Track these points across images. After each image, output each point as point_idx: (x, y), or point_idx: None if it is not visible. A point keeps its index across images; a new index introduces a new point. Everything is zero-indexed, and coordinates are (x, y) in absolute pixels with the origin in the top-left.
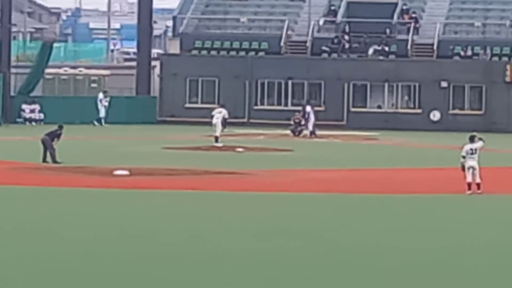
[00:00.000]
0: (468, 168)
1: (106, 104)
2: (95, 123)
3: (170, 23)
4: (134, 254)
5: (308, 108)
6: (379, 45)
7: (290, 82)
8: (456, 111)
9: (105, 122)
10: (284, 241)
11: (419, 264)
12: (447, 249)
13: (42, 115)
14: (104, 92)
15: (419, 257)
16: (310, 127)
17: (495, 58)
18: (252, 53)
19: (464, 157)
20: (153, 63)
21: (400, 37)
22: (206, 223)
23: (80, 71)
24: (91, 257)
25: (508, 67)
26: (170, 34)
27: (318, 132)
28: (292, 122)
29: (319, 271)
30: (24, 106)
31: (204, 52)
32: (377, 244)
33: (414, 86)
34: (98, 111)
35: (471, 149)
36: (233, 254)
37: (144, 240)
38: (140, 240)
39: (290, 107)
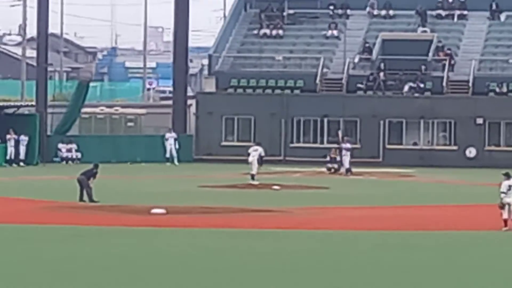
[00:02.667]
0: (505, 205)
1: (172, 142)
2: (167, 163)
3: (205, 61)
4: None
5: (348, 145)
6: (414, 82)
7: (325, 120)
8: (492, 148)
9: (178, 160)
10: (313, 278)
11: None
12: (481, 286)
13: (79, 154)
14: (170, 130)
15: None
16: (347, 164)
17: None
18: (288, 91)
19: (504, 193)
20: (189, 101)
21: (435, 74)
22: (239, 260)
23: (116, 110)
24: None
25: None
26: (206, 72)
27: (353, 170)
28: (328, 158)
29: None
30: (60, 146)
31: (239, 90)
32: (407, 282)
33: (450, 123)
34: (165, 150)
35: (509, 186)
36: None
37: (178, 277)
38: (173, 278)
39: (325, 145)
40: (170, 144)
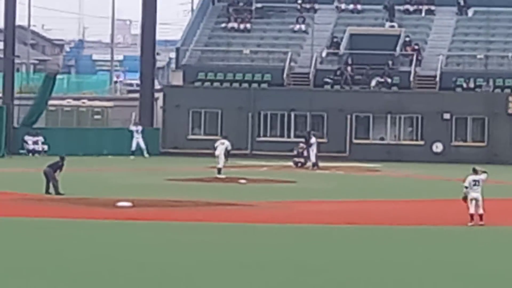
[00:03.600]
0: (471, 200)
1: (139, 135)
2: (131, 157)
3: (173, 54)
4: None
5: (313, 140)
6: (381, 77)
7: (292, 114)
8: (459, 143)
9: (147, 153)
10: (279, 273)
11: None
12: (446, 281)
13: (46, 147)
14: (136, 123)
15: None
16: (313, 158)
17: (498, 90)
18: (255, 85)
19: (466, 187)
20: (156, 94)
21: (402, 69)
22: (205, 254)
23: (84, 102)
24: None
25: (510, 98)
26: (173, 65)
27: (320, 164)
28: (295, 152)
29: None
30: (27, 138)
31: (207, 83)
32: (375, 278)
33: (417, 118)
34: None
35: (474, 181)
36: (233, 285)
37: (144, 272)
38: (139, 272)
39: (292, 139)
40: (137, 138)
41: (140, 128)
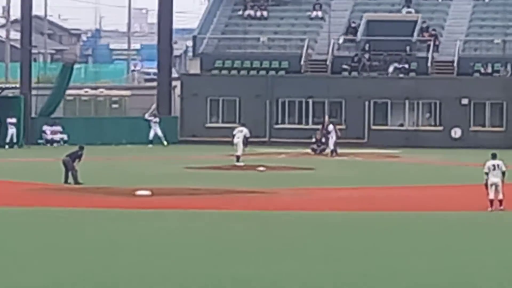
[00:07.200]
0: (491, 185)
1: (156, 125)
2: (149, 145)
3: (190, 43)
4: (151, 275)
5: (331, 127)
6: (399, 63)
7: (310, 101)
8: (477, 128)
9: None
10: (297, 261)
11: (439, 284)
12: (466, 268)
13: (64, 136)
14: (154, 115)
15: (438, 277)
16: (332, 145)
17: None
18: (273, 72)
19: (487, 173)
20: (173, 83)
21: (420, 54)
22: (224, 242)
23: (101, 92)
24: (110, 277)
25: None
26: (190, 54)
27: (339, 150)
28: (313, 140)
29: None
30: (45, 128)
31: (224, 71)
32: (395, 265)
33: (435, 104)
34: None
35: (493, 165)
36: (247, 275)
37: (163, 260)
38: (158, 260)
39: (311, 126)
40: (154, 127)
41: (158, 119)
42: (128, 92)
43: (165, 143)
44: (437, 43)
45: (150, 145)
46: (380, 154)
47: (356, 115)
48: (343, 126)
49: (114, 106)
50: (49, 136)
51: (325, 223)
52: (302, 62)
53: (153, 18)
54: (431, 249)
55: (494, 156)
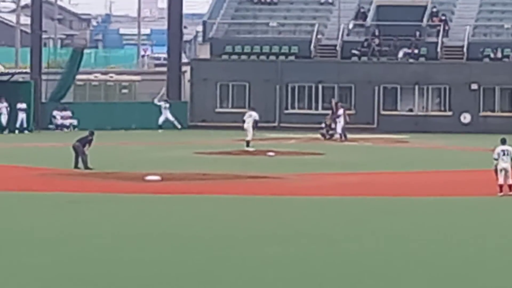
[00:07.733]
0: (501, 170)
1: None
2: (159, 130)
3: (200, 28)
4: (161, 259)
5: (341, 111)
6: (409, 48)
7: (320, 86)
8: (487, 113)
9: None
10: (307, 245)
11: (446, 267)
12: (477, 252)
13: (74, 121)
14: (165, 100)
15: (447, 260)
16: (339, 130)
17: None
18: (282, 57)
19: (496, 159)
20: (183, 68)
21: (429, 39)
22: (233, 227)
23: (111, 77)
24: (122, 262)
25: None
26: (200, 39)
27: (348, 136)
28: (323, 125)
29: (337, 276)
30: (55, 113)
31: (234, 56)
32: (404, 249)
33: (445, 89)
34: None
35: (503, 151)
36: (257, 257)
37: (173, 244)
38: (169, 245)
39: (320, 111)
40: (165, 112)
41: (168, 104)
42: (138, 77)
43: (179, 126)
44: (446, 28)
45: (160, 130)
46: (389, 139)
47: (365, 100)
48: (352, 111)
49: (124, 91)
50: (59, 121)
51: (334, 208)
52: (312, 47)
53: (163, 3)
54: (440, 234)
55: (503, 142)
